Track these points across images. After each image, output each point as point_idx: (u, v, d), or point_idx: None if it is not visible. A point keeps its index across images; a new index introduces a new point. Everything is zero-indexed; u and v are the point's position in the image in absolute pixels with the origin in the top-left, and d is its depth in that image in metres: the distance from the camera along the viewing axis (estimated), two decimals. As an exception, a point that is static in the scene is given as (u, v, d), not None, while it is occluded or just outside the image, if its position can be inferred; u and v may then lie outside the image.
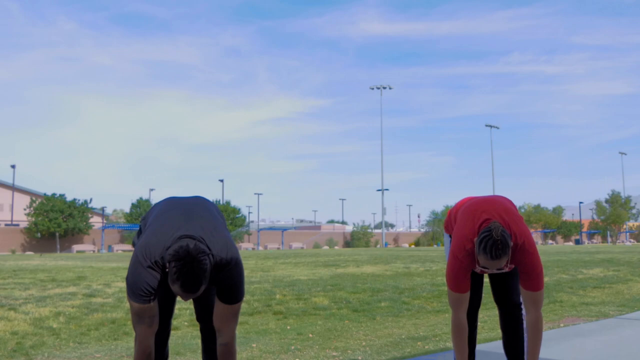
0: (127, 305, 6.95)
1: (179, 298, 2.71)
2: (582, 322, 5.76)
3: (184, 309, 6.36)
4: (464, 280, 2.76)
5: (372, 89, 66.38)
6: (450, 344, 4.58)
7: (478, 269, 2.77)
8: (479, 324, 5.50)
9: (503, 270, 2.74)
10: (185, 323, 5.79)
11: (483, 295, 3.17)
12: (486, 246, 2.53)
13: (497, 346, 4.27)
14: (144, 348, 2.45)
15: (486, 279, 3.15)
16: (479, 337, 4.79)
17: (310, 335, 5.17)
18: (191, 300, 2.74)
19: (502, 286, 3.07)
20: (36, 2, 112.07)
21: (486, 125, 73.93)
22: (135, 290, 2.39)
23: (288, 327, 5.59)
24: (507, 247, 2.54)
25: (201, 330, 2.82)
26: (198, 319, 2.83)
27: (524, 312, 3.06)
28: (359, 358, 4.21)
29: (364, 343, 4.79)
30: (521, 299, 3.05)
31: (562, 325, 5.60)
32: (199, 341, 2.85)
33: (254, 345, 4.69)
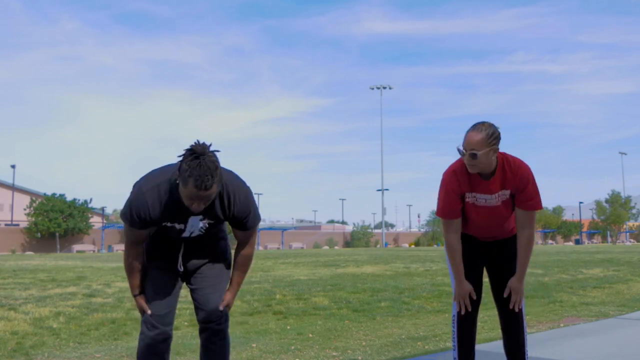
0: (127, 305, 6.95)
1: (183, 290, 2.74)
2: (582, 322, 5.76)
3: (183, 309, 6.37)
4: (454, 205, 2.92)
5: (372, 89, 66.41)
6: (450, 344, 4.59)
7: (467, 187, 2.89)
8: (479, 324, 5.51)
9: (474, 160, 2.76)
10: (185, 323, 5.79)
11: (483, 295, 3.17)
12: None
13: (497, 346, 4.27)
14: (134, 266, 2.70)
15: (486, 279, 3.14)
16: (478, 337, 4.79)
17: (310, 335, 5.17)
18: (191, 300, 2.75)
19: (502, 285, 3.06)
20: (39, 1, 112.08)
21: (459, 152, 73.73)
22: (129, 212, 2.53)
23: (288, 327, 5.59)
24: (484, 125, 2.78)
25: (201, 331, 2.81)
26: (199, 319, 2.83)
27: (524, 315, 3.06)
28: (359, 358, 4.21)
29: (364, 343, 4.79)
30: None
31: (562, 325, 5.60)
32: (199, 341, 2.86)
33: (254, 345, 4.69)
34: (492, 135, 2.76)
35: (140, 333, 2.72)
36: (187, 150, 2.33)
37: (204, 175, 2.27)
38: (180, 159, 2.35)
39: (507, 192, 2.89)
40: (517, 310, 2.96)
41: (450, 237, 2.97)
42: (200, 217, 2.59)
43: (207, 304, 2.70)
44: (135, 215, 2.52)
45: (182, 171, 2.33)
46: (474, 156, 2.75)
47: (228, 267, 2.87)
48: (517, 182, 2.84)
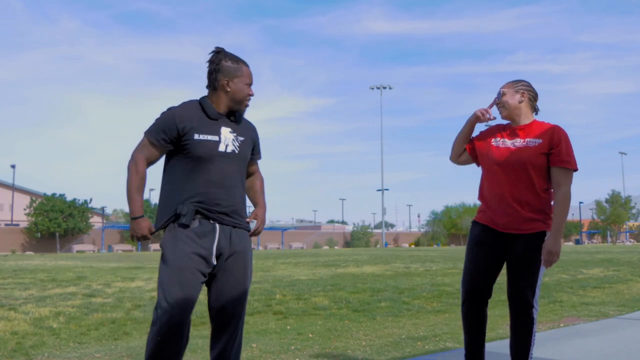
0: (127, 305, 6.95)
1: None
2: (582, 322, 5.76)
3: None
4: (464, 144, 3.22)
5: (372, 89, 66.43)
6: (450, 344, 4.59)
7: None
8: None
9: (503, 99, 3.09)
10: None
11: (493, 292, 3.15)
12: None
13: (497, 346, 4.27)
14: (140, 172, 2.67)
15: (503, 277, 3.10)
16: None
17: (310, 335, 5.17)
18: (204, 290, 2.70)
19: (514, 283, 3.01)
20: (39, 1, 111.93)
21: (486, 125, 73.93)
22: (155, 124, 2.66)
23: (288, 327, 5.59)
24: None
25: (214, 321, 2.71)
26: (213, 310, 2.71)
27: (535, 314, 3.02)
28: (359, 358, 4.21)
29: (364, 343, 4.79)
30: (534, 301, 3.01)
31: (562, 325, 5.60)
32: (199, 341, 2.82)
33: (254, 345, 4.69)
34: (520, 82, 3.12)
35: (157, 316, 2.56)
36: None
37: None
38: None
39: (538, 141, 2.97)
40: (546, 267, 2.93)
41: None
42: (230, 129, 2.74)
43: (225, 307, 2.67)
44: (164, 123, 2.64)
45: (226, 68, 2.71)
46: (500, 95, 3.09)
47: (252, 259, 2.83)
48: (551, 136, 2.96)
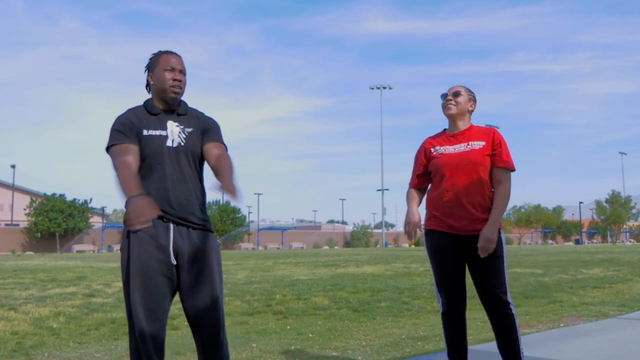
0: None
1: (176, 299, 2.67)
2: (582, 322, 5.76)
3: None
4: (415, 176, 3.28)
5: (372, 89, 66.42)
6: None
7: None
8: (479, 324, 5.51)
9: (456, 98, 3.12)
10: (185, 323, 5.79)
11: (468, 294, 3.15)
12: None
13: (493, 346, 4.26)
14: (128, 164, 2.45)
15: (468, 279, 3.10)
16: (478, 337, 4.80)
17: (310, 335, 5.17)
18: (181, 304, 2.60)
19: (483, 284, 3.00)
20: (40, 1, 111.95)
21: (486, 125, 73.96)
22: (112, 129, 2.60)
23: (288, 327, 5.59)
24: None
25: (196, 338, 2.61)
26: (192, 323, 2.59)
27: (513, 310, 3.01)
28: (359, 358, 4.21)
29: (364, 343, 4.79)
30: (508, 298, 3.00)
31: (562, 325, 5.60)
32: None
33: (254, 345, 4.69)
34: (471, 92, 3.19)
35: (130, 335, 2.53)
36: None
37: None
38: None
39: (481, 143, 3.06)
40: (482, 256, 2.93)
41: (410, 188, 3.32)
42: (177, 123, 2.66)
43: (202, 317, 2.55)
44: (118, 126, 2.60)
45: (152, 62, 2.70)
46: (457, 94, 3.11)
47: (220, 260, 2.67)
48: (492, 139, 3.07)
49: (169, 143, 2.59)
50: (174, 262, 2.52)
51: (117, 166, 2.44)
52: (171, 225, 2.53)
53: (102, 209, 56.70)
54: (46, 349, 4.61)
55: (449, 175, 3.05)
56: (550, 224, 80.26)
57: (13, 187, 52.04)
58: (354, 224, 74.74)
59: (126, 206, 2.30)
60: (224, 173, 2.46)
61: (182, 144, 2.61)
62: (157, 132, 2.59)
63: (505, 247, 3.08)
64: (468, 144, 3.07)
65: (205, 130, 2.72)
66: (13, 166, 51.40)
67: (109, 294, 8.26)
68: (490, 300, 3.00)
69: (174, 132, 2.61)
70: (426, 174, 3.22)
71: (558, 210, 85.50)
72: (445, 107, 3.14)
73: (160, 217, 2.51)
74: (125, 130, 2.57)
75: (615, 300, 7.70)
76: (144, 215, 2.16)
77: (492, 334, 4.87)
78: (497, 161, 3.05)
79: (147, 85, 2.72)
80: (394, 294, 8.17)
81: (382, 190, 66.54)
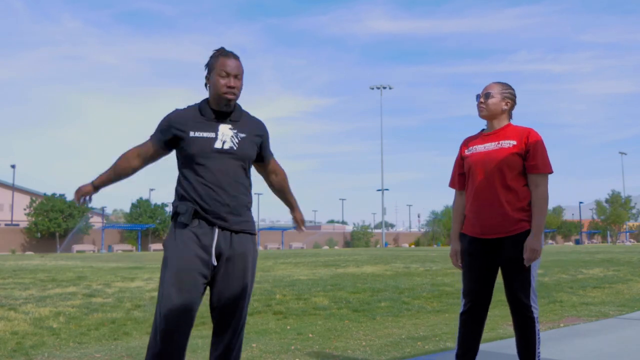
0: (127, 305, 6.95)
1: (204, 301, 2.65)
2: (582, 322, 5.76)
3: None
4: (456, 175, 3.25)
5: (372, 88, 66.42)
6: (450, 344, 4.59)
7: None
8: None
9: (487, 100, 3.09)
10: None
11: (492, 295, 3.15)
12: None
13: (497, 346, 4.28)
14: (125, 158, 2.74)
15: (500, 280, 3.11)
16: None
17: (310, 335, 5.17)
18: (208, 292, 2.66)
19: (508, 286, 3.04)
20: (41, 0, 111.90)
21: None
22: (157, 126, 2.71)
23: (288, 327, 5.59)
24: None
25: (215, 323, 2.66)
26: (214, 312, 2.65)
27: (535, 314, 3.02)
28: (359, 358, 4.21)
29: (364, 343, 4.79)
30: (531, 302, 3.01)
31: (562, 325, 5.60)
32: (199, 341, 2.76)
33: (254, 345, 4.69)
34: (507, 88, 3.14)
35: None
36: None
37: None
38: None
39: (512, 142, 3.02)
40: (527, 265, 2.93)
41: (456, 199, 3.29)
42: (230, 126, 2.68)
43: (225, 309, 2.62)
44: (163, 120, 2.68)
45: (211, 62, 2.68)
46: (488, 95, 3.09)
47: (255, 264, 2.77)
48: (526, 139, 3.01)
49: (217, 145, 2.62)
50: (215, 263, 2.58)
51: (122, 155, 2.74)
52: (216, 229, 2.59)
53: (102, 209, 56.72)
54: (46, 349, 4.61)
55: (477, 174, 3.05)
56: (550, 224, 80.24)
57: (13, 187, 52.04)
58: (354, 224, 74.82)
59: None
60: (294, 206, 3.01)
61: (235, 147, 2.64)
62: (206, 134, 2.62)
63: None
64: (498, 143, 3.05)
65: (263, 139, 2.81)
66: (13, 166, 51.44)
67: (109, 294, 8.26)
68: (513, 302, 3.03)
69: (225, 135, 2.64)
70: (458, 174, 3.23)
71: (558, 210, 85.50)
72: (478, 109, 3.14)
73: (205, 219, 2.58)
74: (163, 134, 2.69)
75: (615, 300, 7.70)
76: (77, 192, 2.72)
77: (494, 334, 4.89)
78: (530, 167, 3.01)
79: (206, 85, 2.74)
80: (394, 294, 8.17)
81: (382, 190, 66.56)
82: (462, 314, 3.15)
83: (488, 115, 3.11)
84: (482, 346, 4.23)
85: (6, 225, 50.45)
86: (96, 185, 2.73)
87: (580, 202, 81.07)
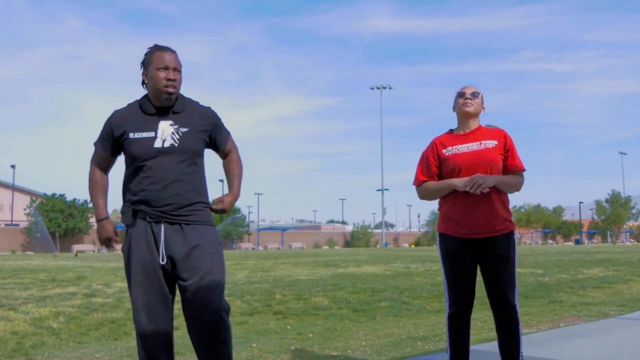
0: (127, 305, 6.95)
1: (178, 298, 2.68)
2: (582, 322, 5.76)
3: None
4: (427, 169, 3.19)
5: (372, 89, 66.41)
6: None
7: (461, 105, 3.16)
8: (479, 324, 5.52)
9: (474, 99, 3.13)
10: (184, 323, 5.78)
11: (476, 296, 3.15)
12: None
13: (494, 346, 4.26)
14: (97, 181, 2.75)
15: (480, 279, 3.11)
16: (479, 337, 4.80)
17: (310, 335, 5.17)
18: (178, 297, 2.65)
19: (494, 285, 3.03)
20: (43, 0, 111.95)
21: (487, 125, 73.92)
22: (101, 130, 2.70)
23: (288, 327, 5.59)
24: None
25: (192, 337, 2.64)
26: (188, 315, 2.62)
27: (518, 314, 3.04)
28: (359, 358, 4.21)
29: (364, 343, 4.79)
30: (515, 301, 3.03)
31: (562, 325, 5.60)
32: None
33: (254, 345, 4.69)
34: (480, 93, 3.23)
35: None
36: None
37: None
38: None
39: (493, 142, 3.08)
40: (467, 187, 2.95)
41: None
42: (171, 122, 2.63)
43: (203, 308, 2.53)
44: (105, 128, 2.67)
45: (145, 61, 2.68)
46: (475, 95, 3.14)
47: (221, 252, 2.68)
48: (504, 139, 3.11)
49: (157, 144, 2.58)
50: (162, 262, 2.55)
51: (90, 179, 2.75)
52: (162, 226, 2.56)
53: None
54: (46, 349, 4.61)
55: (466, 174, 3.03)
56: (551, 224, 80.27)
57: (13, 187, 52.04)
58: (354, 224, 74.80)
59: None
60: (231, 189, 2.82)
61: (176, 144, 2.59)
62: (144, 134, 2.59)
63: (517, 250, 3.10)
64: (481, 143, 3.07)
65: (211, 128, 2.75)
66: (13, 166, 51.44)
67: (109, 294, 8.26)
68: (500, 302, 3.03)
69: (165, 132, 2.59)
70: (435, 174, 3.16)
71: (558, 210, 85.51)
72: (464, 105, 3.13)
73: (151, 218, 2.56)
74: (107, 136, 2.68)
75: (615, 300, 7.70)
76: (107, 238, 2.68)
77: (492, 334, 4.89)
78: (510, 166, 3.10)
79: (143, 83, 2.71)
80: (394, 294, 8.17)
81: (382, 190, 66.56)
82: (450, 317, 3.11)
83: (473, 112, 3.13)
84: (478, 346, 4.25)
85: (6, 225, 50.44)
86: (108, 217, 2.74)
87: (580, 202, 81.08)
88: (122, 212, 2.62)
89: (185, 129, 2.63)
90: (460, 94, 3.17)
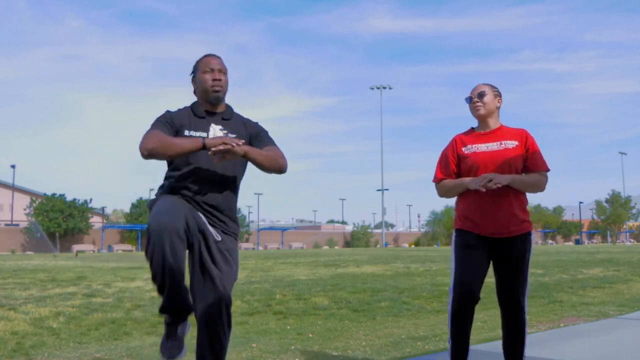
0: (127, 305, 6.95)
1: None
2: (582, 322, 5.76)
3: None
4: (446, 167, 3.16)
5: (372, 89, 66.41)
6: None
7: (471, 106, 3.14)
8: (479, 324, 5.52)
9: (482, 99, 3.10)
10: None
11: (481, 295, 3.15)
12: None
13: (497, 346, 4.27)
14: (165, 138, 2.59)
15: (491, 278, 3.11)
16: (478, 337, 4.80)
17: (310, 335, 5.17)
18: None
19: (506, 285, 3.03)
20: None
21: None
22: (152, 123, 2.65)
23: (288, 327, 5.59)
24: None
25: (200, 322, 2.64)
26: (195, 301, 2.61)
27: (526, 314, 3.05)
28: (359, 358, 4.21)
29: (364, 343, 4.79)
30: (525, 302, 3.03)
31: (562, 325, 5.60)
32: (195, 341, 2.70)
33: (254, 345, 4.69)
34: (495, 87, 3.18)
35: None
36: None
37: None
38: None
39: (514, 143, 3.05)
40: (480, 184, 2.93)
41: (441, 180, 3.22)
42: (220, 127, 2.73)
43: (210, 305, 2.59)
44: (160, 118, 2.69)
45: (195, 68, 2.78)
46: (482, 95, 3.09)
47: (236, 271, 2.74)
48: (525, 139, 3.07)
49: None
50: (218, 239, 2.62)
51: (153, 137, 2.55)
52: (202, 216, 2.64)
53: (102, 209, 56.71)
54: (46, 349, 4.61)
55: (482, 173, 3.01)
56: (551, 224, 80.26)
57: (13, 187, 52.02)
58: (354, 224, 74.77)
59: (203, 147, 2.54)
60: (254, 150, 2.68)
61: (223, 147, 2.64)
62: (198, 133, 2.68)
63: (532, 253, 3.10)
64: (501, 143, 3.05)
65: (253, 136, 2.81)
66: (13, 166, 51.42)
67: (109, 294, 8.26)
68: (510, 302, 3.04)
69: (216, 135, 2.68)
70: (453, 172, 3.14)
71: (558, 210, 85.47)
72: (474, 109, 3.12)
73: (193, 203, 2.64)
74: (165, 124, 2.68)
75: (615, 300, 7.70)
76: (221, 141, 2.53)
77: (492, 334, 4.89)
78: (531, 165, 3.07)
79: (194, 92, 2.82)
80: (394, 294, 8.17)
81: (382, 190, 66.54)
82: (454, 316, 3.07)
83: (485, 113, 3.11)
84: (478, 346, 4.25)
85: (6, 225, 50.43)
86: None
87: (580, 202, 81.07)
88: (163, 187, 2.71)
89: (233, 135, 2.73)
90: (468, 99, 3.16)
